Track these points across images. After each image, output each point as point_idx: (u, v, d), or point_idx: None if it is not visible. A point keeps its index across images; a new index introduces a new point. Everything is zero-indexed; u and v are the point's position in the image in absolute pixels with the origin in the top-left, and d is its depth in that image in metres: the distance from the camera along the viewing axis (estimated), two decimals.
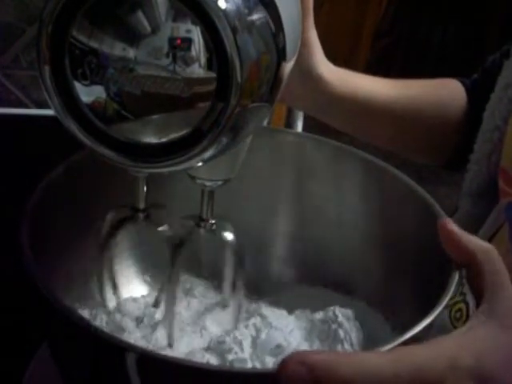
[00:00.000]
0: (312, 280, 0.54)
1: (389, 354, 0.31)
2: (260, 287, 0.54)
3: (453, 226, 0.38)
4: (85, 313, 0.47)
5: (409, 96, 0.63)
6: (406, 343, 0.33)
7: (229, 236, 0.44)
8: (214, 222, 0.43)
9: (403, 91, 0.63)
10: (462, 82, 0.66)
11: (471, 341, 0.32)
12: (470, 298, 0.52)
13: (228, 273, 0.45)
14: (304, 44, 0.53)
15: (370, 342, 0.47)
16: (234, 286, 0.47)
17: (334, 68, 0.58)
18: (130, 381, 0.33)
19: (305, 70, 0.55)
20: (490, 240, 0.55)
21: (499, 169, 0.55)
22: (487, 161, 0.58)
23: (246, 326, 0.46)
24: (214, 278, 0.52)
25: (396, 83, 0.64)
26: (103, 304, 0.48)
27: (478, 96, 0.62)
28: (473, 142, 0.60)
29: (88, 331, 0.34)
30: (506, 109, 0.56)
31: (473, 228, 0.56)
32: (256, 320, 0.47)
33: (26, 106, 0.89)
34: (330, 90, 0.57)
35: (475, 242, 0.37)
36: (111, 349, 0.33)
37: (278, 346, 0.44)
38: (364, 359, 0.30)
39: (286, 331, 0.46)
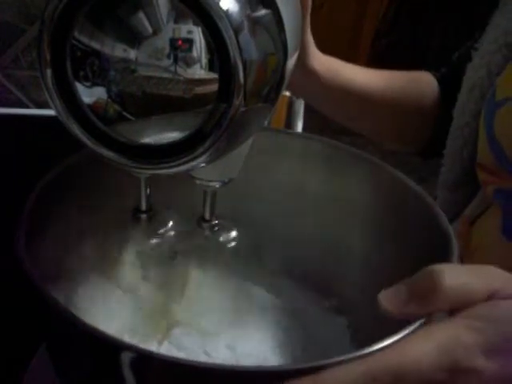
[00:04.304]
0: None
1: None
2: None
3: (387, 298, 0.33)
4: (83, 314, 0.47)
5: (388, 85, 0.66)
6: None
7: (231, 236, 0.44)
8: (216, 222, 0.43)
9: (384, 81, 0.66)
10: (434, 76, 0.69)
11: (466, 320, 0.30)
12: None
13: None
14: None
15: None
16: None
17: (324, 59, 0.61)
18: (127, 380, 0.33)
19: (299, 64, 0.57)
20: (474, 221, 0.59)
21: (476, 164, 0.58)
22: (460, 155, 0.61)
23: None
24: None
25: (378, 73, 0.66)
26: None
27: (447, 91, 0.66)
28: (445, 134, 0.63)
29: (85, 331, 0.33)
30: (474, 107, 0.59)
31: (452, 213, 0.61)
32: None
33: (26, 106, 0.89)
34: (320, 82, 0.61)
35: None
36: (108, 349, 0.33)
37: None
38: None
39: None
